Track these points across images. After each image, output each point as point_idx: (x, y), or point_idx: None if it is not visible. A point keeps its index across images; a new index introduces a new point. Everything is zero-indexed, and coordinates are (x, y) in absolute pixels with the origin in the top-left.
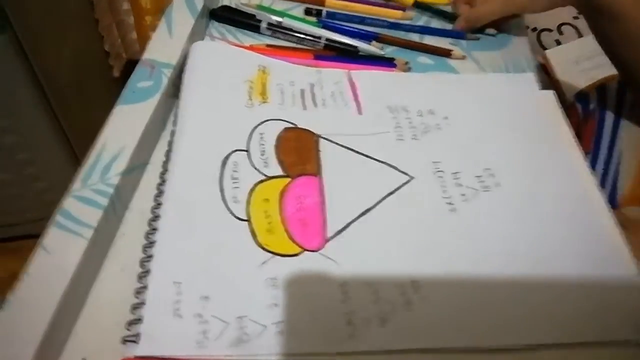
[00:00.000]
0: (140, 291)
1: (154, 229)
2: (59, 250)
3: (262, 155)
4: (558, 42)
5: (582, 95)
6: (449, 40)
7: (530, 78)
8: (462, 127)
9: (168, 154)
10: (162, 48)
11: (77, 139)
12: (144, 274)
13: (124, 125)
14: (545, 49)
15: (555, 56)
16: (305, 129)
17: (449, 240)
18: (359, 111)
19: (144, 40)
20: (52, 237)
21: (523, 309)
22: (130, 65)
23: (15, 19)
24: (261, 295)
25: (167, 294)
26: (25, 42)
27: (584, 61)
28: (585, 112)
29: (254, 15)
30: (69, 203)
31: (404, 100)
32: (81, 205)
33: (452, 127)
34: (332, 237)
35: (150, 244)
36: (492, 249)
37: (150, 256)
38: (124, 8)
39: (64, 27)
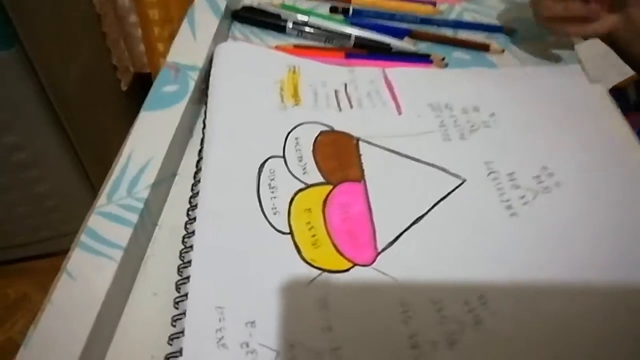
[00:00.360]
0: (177, 318)
1: (189, 247)
2: (85, 276)
3: (300, 161)
4: (585, 37)
5: (617, 90)
6: (485, 34)
7: (576, 70)
8: (511, 123)
9: (199, 163)
10: (185, 50)
11: (86, 154)
12: (181, 299)
13: (150, 133)
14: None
15: (585, 50)
16: (343, 132)
17: (512, 247)
18: (399, 111)
19: (152, 53)
20: (77, 260)
21: (603, 322)
22: (138, 79)
23: (23, 34)
24: (312, 318)
25: (209, 320)
26: (33, 56)
27: (612, 56)
28: (622, 107)
29: (278, 15)
30: (95, 221)
31: (446, 97)
32: (108, 222)
33: (500, 124)
34: (384, 249)
35: (185, 264)
36: (560, 254)
37: (186, 278)
38: (131, 21)
39: (72, 41)
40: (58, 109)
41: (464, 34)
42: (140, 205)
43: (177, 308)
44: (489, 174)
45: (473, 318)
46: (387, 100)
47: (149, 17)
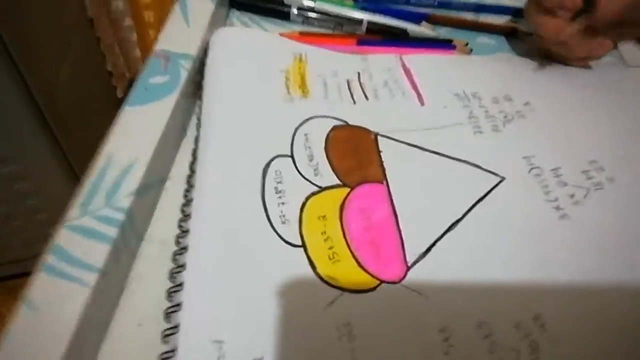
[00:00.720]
0: (166, 357)
1: (181, 266)
2: (50, 306)
3: (311, 161)
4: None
5: None
6: (509, 17)
7: (614, 54)
8: (549, 113)
9: (193, 165)
10: (177, 37)
11: (80, 166)
12: (171, 331)
13: (135, 131)
14: None
15: None
16: (358, 127)
17: (567, 254)
18: (421, 101)
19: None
20: (41, 286)
21: None
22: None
23: (8, 37)
24: (333, 350)
25: (205, 358)
26: (20, 61)
27: None
28: None
29: (281, 0)
30: (64, 237)
31: (473, 86)
32: (81, 239)
33: (537, 113)
34: (415, 263)
35: (176, 286)
36: (624, 259)
37: (178, 305)
38: (126, 24)
39: (63, 46)
40: (49, 118)
41: (486, 18)
42: (121, 217)
43: (166, 342)
44: (530, 170)
45: (530, 345)
46: (406, 89)
47: (145, 20)
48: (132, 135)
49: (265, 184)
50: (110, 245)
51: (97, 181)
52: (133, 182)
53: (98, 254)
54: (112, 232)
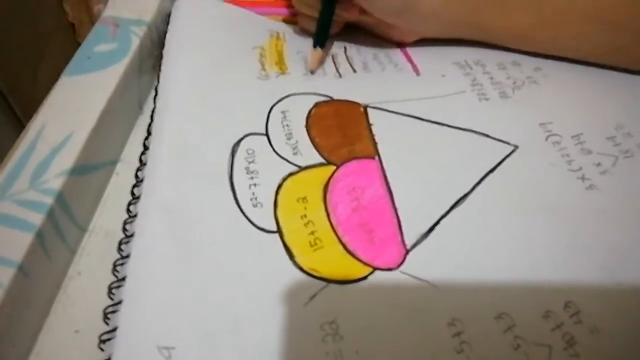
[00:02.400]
0: None
1: (126, 257)
2: None
3: (289, 139)
4: None
5: None
6: None
7: None
8: (563, 77)
9: (147, 141)
10: (129, 3)
11: None
12: (109, 335)
13: (72, 104)
14: None
15: None
16: (345, 100)
17: (596, 230)
18: (416, 71)
19: None
20: None
21: None
22: None
23: None
24: (319, 353)
25: None
26: None
27: None
28: None
29: None
30: None
31: (475, 54)
32: None
33: (551, 78)
34: (415, 245)
35: (119, 281)
36: None
37: (118, 303)
38: None
39: (39, 52)
40: (26, 122)
41: None
42: (49, 201)
43: (102, 349)
44: (548, 137)
45: (562, 338)
46: (399, 61)
47: None
48: (68, 108)
49: (235, 164)
50: (32, 235)
51: (22, 160)
52: (66, 160)
53: (17, 245)
54: (37, 219)
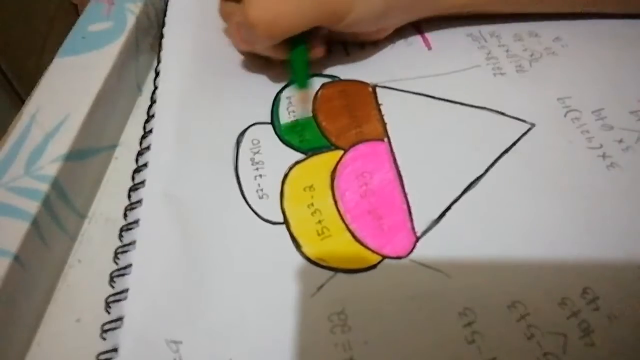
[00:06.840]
0: (106, 357)
1: (129, 244)
2: None
3: (295, 127)
4: None
5: None
6: None
7: None
8: (585, 49)
9: (147, 123)
10: None
11: None
12: (111, 326)
13: (67, 85)
14: None
15: None
16: (353, 80)
17: (617, 212)
18: (427, 45)
19: None
20: None
21: None
22: None
23: None
24: (325, 345)
25: None
26: None
27: None
28: None
29: None
30: None
31: (490, 25)
32: None
33: (570, 49)
34: (425, 232)
35: (121, 270)
36: None
37: (122, 292)
38: None
39: (44, 35)
40: None
41: None
42: (45, 188)
43: (104, 339)
44: (567, 113)
45: (578, 326)
46: (410, 34)
47: None
48: (63, 90)
49: (240, 154)
50: (28, 223)
51: (15, 145)
52: (62, 145)
53: (12, 234)
54: (32, 207)
